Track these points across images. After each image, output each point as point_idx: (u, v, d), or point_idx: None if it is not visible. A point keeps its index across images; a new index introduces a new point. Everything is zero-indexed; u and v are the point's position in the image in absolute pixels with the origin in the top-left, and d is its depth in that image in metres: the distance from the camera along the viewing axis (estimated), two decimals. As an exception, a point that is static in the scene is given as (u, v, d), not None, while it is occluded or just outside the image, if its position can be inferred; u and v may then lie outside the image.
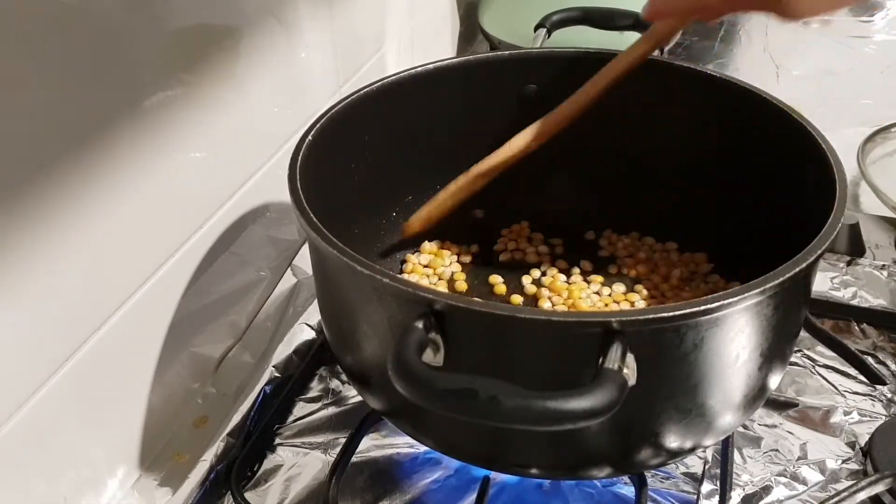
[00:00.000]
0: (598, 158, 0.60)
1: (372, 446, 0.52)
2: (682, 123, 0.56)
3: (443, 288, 0.58)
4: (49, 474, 0.45)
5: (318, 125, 0.49)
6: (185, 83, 0.50)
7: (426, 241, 0.60)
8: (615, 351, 0.32)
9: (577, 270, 0.58)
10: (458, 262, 0.60)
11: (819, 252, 0.37)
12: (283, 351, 0.57)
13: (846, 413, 0.53)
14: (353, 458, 0.50)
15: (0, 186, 0.38)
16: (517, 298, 0.57)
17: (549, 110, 0.58)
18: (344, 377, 0.57)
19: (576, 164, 0.61)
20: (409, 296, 0.36)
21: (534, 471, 0.43)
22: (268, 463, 0.52)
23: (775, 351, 0.42)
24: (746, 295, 0.35)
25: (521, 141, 0.53)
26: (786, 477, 0.49)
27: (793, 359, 0.56)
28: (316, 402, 0.56)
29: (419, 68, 0.55)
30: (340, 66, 0.70)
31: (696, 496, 0.47)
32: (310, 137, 0.47)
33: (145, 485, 0.52)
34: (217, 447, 0.50)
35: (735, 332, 0.37)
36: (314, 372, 0.58)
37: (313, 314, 0.60)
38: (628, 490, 0.48)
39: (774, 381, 0.43)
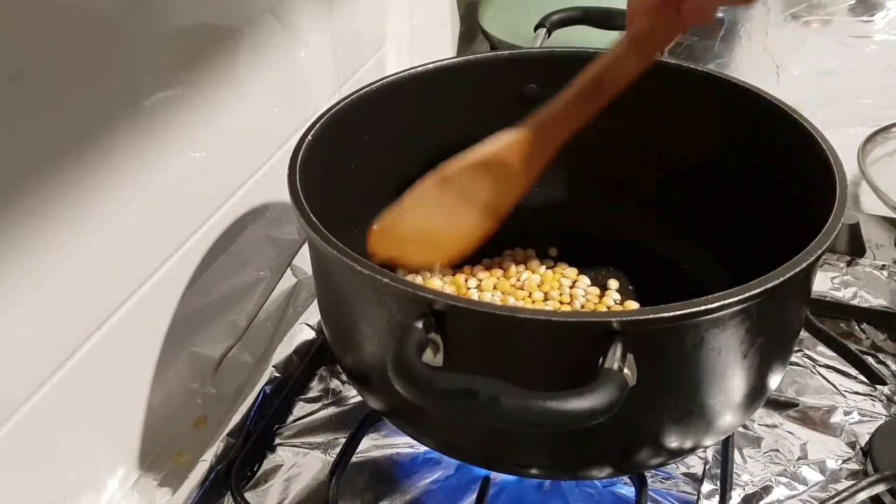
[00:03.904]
0: (595, 158, 0.60)
1: (372, 446, 0.52)
2: (682, 123, 0.56)
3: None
4: (49, 474, 0.45)
5: (318, 125, 0.49)
6: (185, 83, 0.50)
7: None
8: (615, 351, 0.32)
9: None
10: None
11: (819, 252, 0.37)
12: (283, 351, 0.57)
13: (846, 413, 0.53)
14: (353, 458, 0.50)
15: (1, 186, 0.38)
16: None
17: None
18: (344, 377, 0.57)
19: (572, 164, 0.61)
20: (409, 296, 0.36)
21: (534, 471, 0.43)
22: (268, 463, 0.52)
23: (775, 351, 0.42)
24: (746, 295, 0.35)
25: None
26: (786, 477, 0.49)
27: (793, 359, 0.56)
28: (316, 402, 0.56)
29: (419, 68, 0.55)
30: (340, 66, 0.70)
31: (696, 496, 0.47)
32: (310, 137, 0.47)
33: (145, 485, 0.52)
34: (217, 447, 0.50)
35: (735, 332, 0.37)
36: (314, 372, 0.58)
37: (313, 314, 0.60)
38: (628, 490, 0.48)
39: (774, 381, 0.43)
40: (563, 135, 0.47)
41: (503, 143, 0.48)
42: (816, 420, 0.52)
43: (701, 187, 0.56)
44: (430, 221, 0.49)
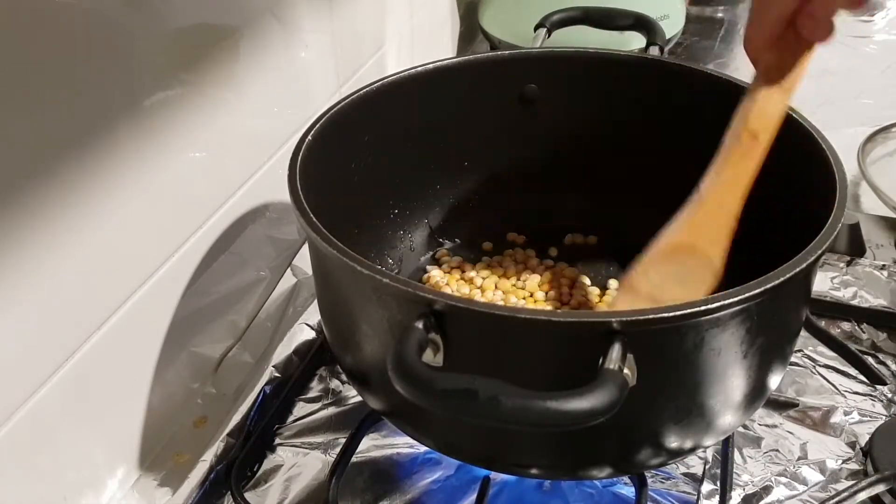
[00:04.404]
0: (595, 158, 0.60)
1: (372, 446, 0.52)
2: (682, 123, 0.56)
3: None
4: (49, 474, 0.45)
5: (318, 125, 0.49)
6: (185, 83, 0.50)
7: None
8: (615, 351, 0.32)
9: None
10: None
11: (819, 252, 0.37)
12: (283, 351, 0.57)
13: (846, 413, 0.53)
14: (353, 458, 0.50)
15: (1, 186, 0.38)
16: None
17: (548, 110, 0.59)
18: (344, 377, 0.57)
19: (572, 163, 0.61)
20: (409, 296, 0.36)
21: (534, 471, 0.43)
22: (268, 463, 0.52)
23: (775, 351, 0.42)
24: (747, 295, 0.35)
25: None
26: (786, 477, 0.49)
27: (793, 359, 0.56)
28: (316, 402, 0.56)
29: (419, 68, 0.55)
30: (340, 66, 0.70)
31: (696, 496, 0.47)
32: (310, 137, 0.47)
33: (145, 485, 0.52)
34: (217, 447, 0.50)
35: (735, 332, 0.37)
36: (314, 372, 0.58)
37: (313, 314, 0.60)
38: (628, 490, 0.48)
39: (774, 381, 0.43)
40: (737, 199, 0.44)
41: (680, 229, 0.44)
42: (816, 420, 0.52)
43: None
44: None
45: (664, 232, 0.45)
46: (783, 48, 0.41)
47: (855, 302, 0.61)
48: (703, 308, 0.34)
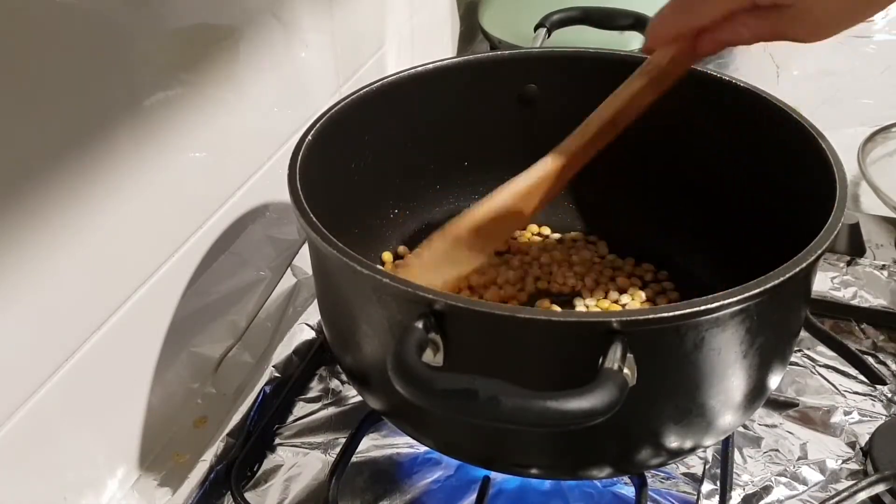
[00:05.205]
0: (594, 159, 0.60)
1: (372, 446, 0.52)
2: (682, 123, 0.56)
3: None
4: (49, 474, 0.45)
5: (318, 125, 0.49)
6: (185, 83, 0.50)
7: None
8: (615, 351, 0.32)
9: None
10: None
11: (819, 252, 0.37)
12: (282, 351, 0.57)
13: (846, 413, 0.53)
14: (353, 458, 0.50)
15: (1, 186, 0.38)
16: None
17: (548, 110, 0.59)
18: (344, 377, 0.57)
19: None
20: (409, 296, 0.36)
21: (534, 471, 0.43)
22: (268, 463, 0.52)
23: (775, 351, 0.42)
24: (746, 295, 0.35)
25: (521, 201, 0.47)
26: (786, 477, 0.49)
27: (793, 359, 0.56)
28: (316, 402, 0.56)
29: (419, 68, 0.55)
30: (340, 66, 0.70)
31: (696, 496, 0.47)
32: (310, 137, 0.47)
33: (145, 485, 0.52)
34: (217, 447, 0.50)
35: (735, 332, 0.37)
36: (314, 372, 0.58)
37: (313, 314, 0.60)
38: (628, 490, 0.48)
39: (774, 381, 0.43)
40: (574, 171, 0.47)
41: (516, 193, 0.47)
42: (816, 420, 0.52)
43: (701, 187, 0.56)
44: (440, 272, 0.48)
45: (499, 193, 0.46)
46: (678, 50, 0.44)
47: (855, 302, 0.61)
48: (703, 308, 0.34)
